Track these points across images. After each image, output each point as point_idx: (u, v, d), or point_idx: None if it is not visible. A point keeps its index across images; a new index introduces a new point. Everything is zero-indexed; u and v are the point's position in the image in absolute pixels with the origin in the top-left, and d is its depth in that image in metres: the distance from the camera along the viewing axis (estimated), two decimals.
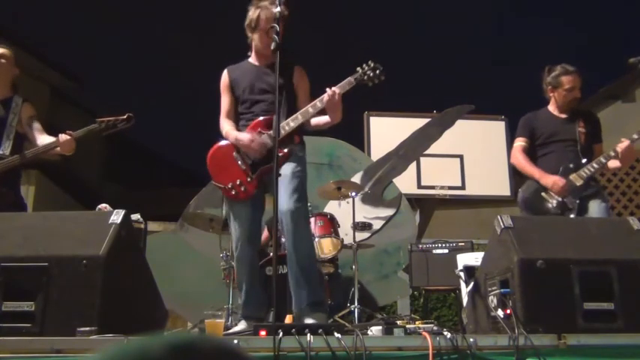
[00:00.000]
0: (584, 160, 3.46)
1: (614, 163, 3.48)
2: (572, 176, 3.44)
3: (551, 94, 3.68)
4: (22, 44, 8.29)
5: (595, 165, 3.43)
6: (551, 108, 3.71)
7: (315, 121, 3.02)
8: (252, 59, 3.15)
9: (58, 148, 3.05)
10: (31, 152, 3.11)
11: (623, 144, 3.35)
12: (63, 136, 3.02)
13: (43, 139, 3.19)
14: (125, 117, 3.00)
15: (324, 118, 3.01)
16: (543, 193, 3.49)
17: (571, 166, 3.47)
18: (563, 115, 3.65)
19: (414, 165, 6.82)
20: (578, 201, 3.42)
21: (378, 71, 2.98)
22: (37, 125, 3.26)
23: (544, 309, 2.08)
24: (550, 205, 3.45)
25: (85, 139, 3.08)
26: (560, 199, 3.44)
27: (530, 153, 3.66)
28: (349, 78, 2.96)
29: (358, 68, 2.99)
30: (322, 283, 3.78)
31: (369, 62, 2.99)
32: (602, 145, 3.63)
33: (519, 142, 3.70)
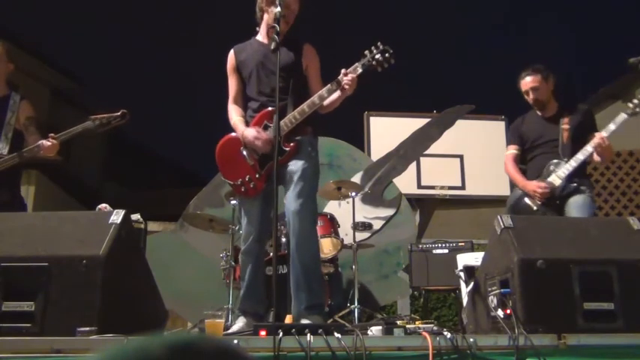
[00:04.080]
0: (564, 159, 3.41)
1: (597, 157, 3.40)
2: (552, 177, 3.41)
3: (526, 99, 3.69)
4: (22, 44, 8.30)
5: (573, 163, 3.37)
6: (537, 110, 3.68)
7: (327, 101, 2.86)
8: (261, 37, 3.00)
9: (42, 152, 3.02)
10: (27, 151, 3.08)
11: (596, 139, 3.28)
12: (45, 142, 3.00)
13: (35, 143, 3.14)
14: (119, 114, 2.96)
15: (336, 94, 2.84)
16: (526, 199, 3.49)
17: (552, 167, 3.45)
18: (547, 115, 3.60)
19: (414, 165, 6.82)
20: (558, 202, 3.39)
21: (387, 54, 2.79)
22: (32, 129, 3.21)
23: (544, 309, 2.08)
24: (533, 209, 3.43)
25: (80, 137, 3.06)
26: (540, 202, 3.42)
27: (522, 159, 3.66)
28: (356, 65, 2.80)
29: (366, 52, 2.80)
30: (323, 284, 3.77)
31: (378, 44, 2.80)
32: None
33: (510, 151, 3.70)
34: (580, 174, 3.45)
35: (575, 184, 3.41)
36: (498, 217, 2.35)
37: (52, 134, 3.01)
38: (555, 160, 3.45)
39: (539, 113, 3.63)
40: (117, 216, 2.27)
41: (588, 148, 3.32)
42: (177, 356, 0.56)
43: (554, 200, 3.40)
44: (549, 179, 3.42)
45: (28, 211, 4.05)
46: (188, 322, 5.33)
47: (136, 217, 4.17)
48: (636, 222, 2.39)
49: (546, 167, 3.46)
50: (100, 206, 4.26)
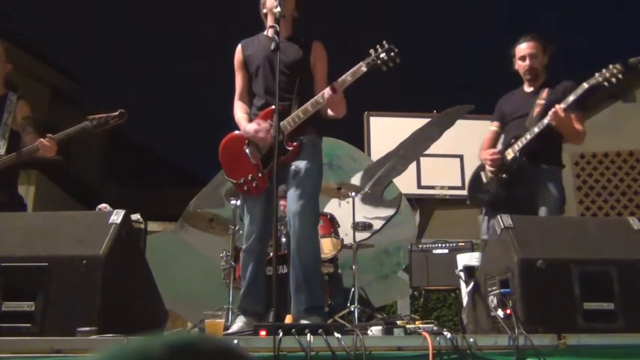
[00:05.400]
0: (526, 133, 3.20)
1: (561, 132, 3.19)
2: (507, 150, 3.25)
3: (515, 67, 3.43)
4: (22, 44, 8.30)
5: (528, 136, 3.15)
6: (524, 84, 3.44)
7: (328, 112, 2.87)
8: (268, 32, 2.93)
9: (40, 152, 3.02)
10: (26, 151, 3.08)
11: (552, 110, 3.05)
12: (44, 142, 2.99)
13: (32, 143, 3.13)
14: (117, 113, 2.95)
15: (330, 112, 2.87)
16: (481, 172, 3.38)
17: (512, 140, 3.26)
18: (530, 89, 3.38)
19: (414, 165, 6.82)
20: (505, 175, 3.21)
21: (393, 53, 2.72)
22: (29, 129, 3.20)
23: (544, 309, 2.08)
24: (483, 182, 3.32)
25: (78, 137, 3.05)
26: (490, 175, 3.28)
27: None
28: (360, 64, 2.74)
29: (371, 51, 2.74)
30: (323, 284, 3.77)
31: (383, 43, 2.73)
32: (579, 115, 3.21)
33: (491, 127, 3.52)
34: (545, 154, 3.22)
35: (521, 161, 3.18)
36: (498, 217, 2.35)
37: (50, 134, 3.01)
38: (516, 135, 3.26)
39: (525, 89, 3.42)
40: (117, 216, 2.27)
41: (545, 120, 3.09)
42: (177, 356, 0.56)
43: (502, 173, 3.24)
44: (505, 152, 3.26)
45: (28, 211, 4.04)
46: (188, 322, 5.34)
47: (136, 217, 4.17)
48: (636, 222, 2.39)
49: (509, 141, 3.30)
50: (100, 206, 4.26)
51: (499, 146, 3.45)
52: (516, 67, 3.41)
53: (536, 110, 3.22)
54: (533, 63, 3.32)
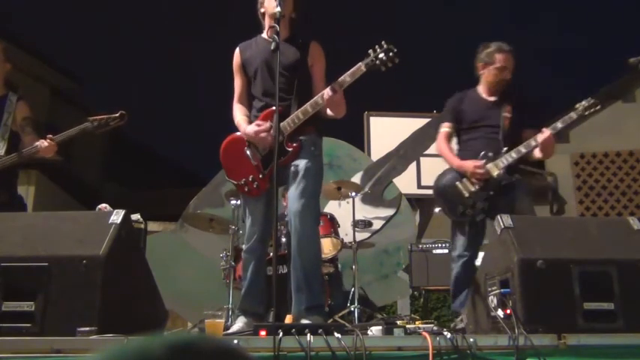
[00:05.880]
0: (504, 149, 3.23)
1: (538, 154, 3.27)
2: (489, 165, 3.23)
3: (481, 72, 3.43)
4: (22, 44, 8.31)
5: (514, 154, 3.20)
6: (481, 89, 3.46)
7: (328, 112, 2.87)
8: (266, 34, 2.93)
9: (39, 153, 3.01)
10: (26, 152, 3.08)
11: (543, 134, 3.16)
12: (43, 143, 2.99)
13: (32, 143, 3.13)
14: (118, 115, 2.96)
15: (330, 112, 2.87)
16: (458, 183, 3.30)
17: (490, 154, 3.25)
18: (492, 98, 3.40)
19: (414, 165, 6.82)
20: (492, 192, 3.23)
21: (392, 53, 2.70)
22: (28, 129, 3.20)
23: (544, 309, 2.08)
24: (464, 195, 3.27)
25: (78, 138, 3.05)
26: (473, 188, 3.25)
27: (456, 138, 3.49)
28: (359, 64, 2.73)
29: (370, 51, 2.72)
30: (323, 284, 3.77)
31: (382, 43, 2.71)
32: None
33: (444, 128, 3.47)
34: (516, 168, 3.31)
35: (512, 179, 3.24)
36: (498, 217, 2.35)
37: (51, 135, 3.01)
38: (490, 149, 3.27)
39: (485, 96, 3.42)
40: (117, 216, 2.27)
41: (532, 142, 3.18)
42: (177, 356, 0.56)
43: (488, 190, 3.23)
44: (487, 167, 3.24)
45: (28, 211, 4.04)
46: (188, 322, 5.34)
47: (136, 217, 4.17)
48: (636, 222, 2.39)
49: (482, 154, 3.28)
50: (100, 206, 4.26)
51: (454, 145, 3.49)
52: (486, 71, 3.42)
53: (505, 124, 3.30)
54: (509, 76, 3.38)
